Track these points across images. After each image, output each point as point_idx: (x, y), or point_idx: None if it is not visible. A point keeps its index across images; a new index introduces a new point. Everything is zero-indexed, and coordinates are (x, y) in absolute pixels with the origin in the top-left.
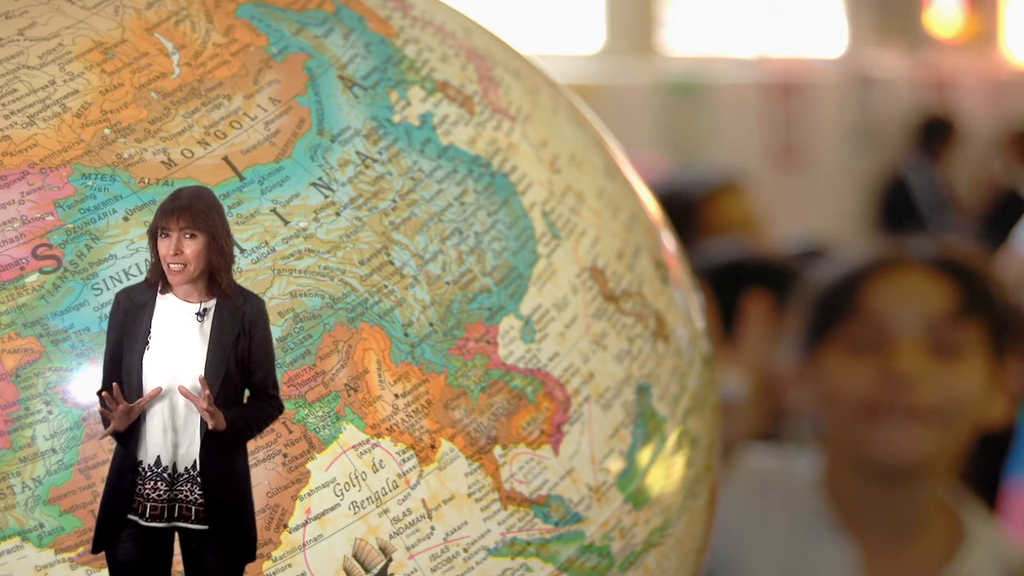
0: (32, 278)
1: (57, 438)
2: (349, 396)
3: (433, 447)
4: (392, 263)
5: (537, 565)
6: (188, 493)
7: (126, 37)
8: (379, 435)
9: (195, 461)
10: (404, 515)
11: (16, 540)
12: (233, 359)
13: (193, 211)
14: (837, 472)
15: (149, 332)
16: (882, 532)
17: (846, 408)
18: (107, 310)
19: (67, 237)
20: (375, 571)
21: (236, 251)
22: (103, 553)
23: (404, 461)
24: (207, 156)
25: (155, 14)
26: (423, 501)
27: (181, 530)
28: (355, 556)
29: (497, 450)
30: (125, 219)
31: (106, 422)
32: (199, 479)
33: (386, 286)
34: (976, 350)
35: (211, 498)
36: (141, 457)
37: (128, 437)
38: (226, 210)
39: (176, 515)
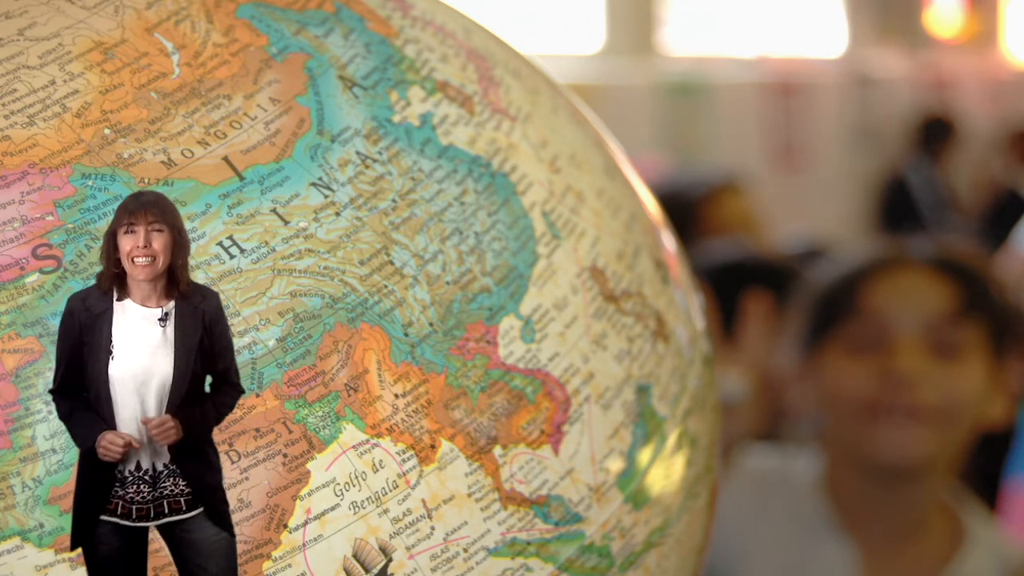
0: (32, 278)
1: (57, 438)
2: (349, 396)
3: (433, 447)
4: (392, 263)
5: (537, 565)
6: (172, 488)
7: (126, 37)
8: (379, 435)
9: (171, 457)
10: (404, 515)
11: (16, 540)
12: (198, 358)
13: (160, 206)
14: (837, 472)
15: (111, 341)
16: (882, 532)
17: (846, 408)
18: None
19: (67, 237)
20: (375, 571)
21: (236, 251)
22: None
23: (404, 461)
24: (207, 156)
25: (155, 14)
26: (423, 501)
27: (174, 522)
28: (355, 556)
29: (497, 450)
30: None
31: (89, 447)
32: (179, 471)
33: (386, 286)
34: (976, 350)
35: (196, 485)
36: (123, 464)
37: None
38: (226, 210)
39: (167, 511)
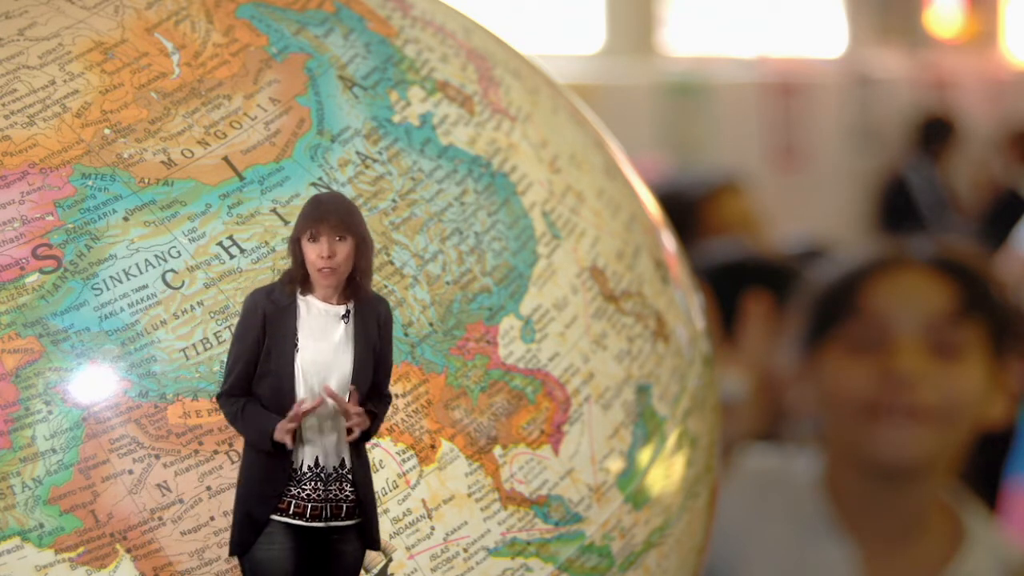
0: (32, 278)
1: (57, 438)
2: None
3: (433, 447)
4: (392, 263)
5: (537, 565)
6: (338, 492)
7: (126, 37)
8: (379, 435)
9: (342, 459)
10: (404, 515)
11: (16, 540)
12: (373, 360)
13: (341, 213)
14: (837, 472)
15: (296, 334)
16: (882, 532)
17: (846, 408)
18: (107, 310)
19: (67, 237)
20: (375, 571)
21: (236, 251)
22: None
23: (404, 461)
24: (207, 156)
25: (155, 14)
26: (423, 501)
27: (331, 527)
28: None
29: (497, 450)
30: (125, 219)
31: (267, 437)
32: (350, 476)
33: (386, 286)
34: (976, 350)
35: (361, 494)
36: (300, 459)
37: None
38: (226, 210)
39: (329, 514)
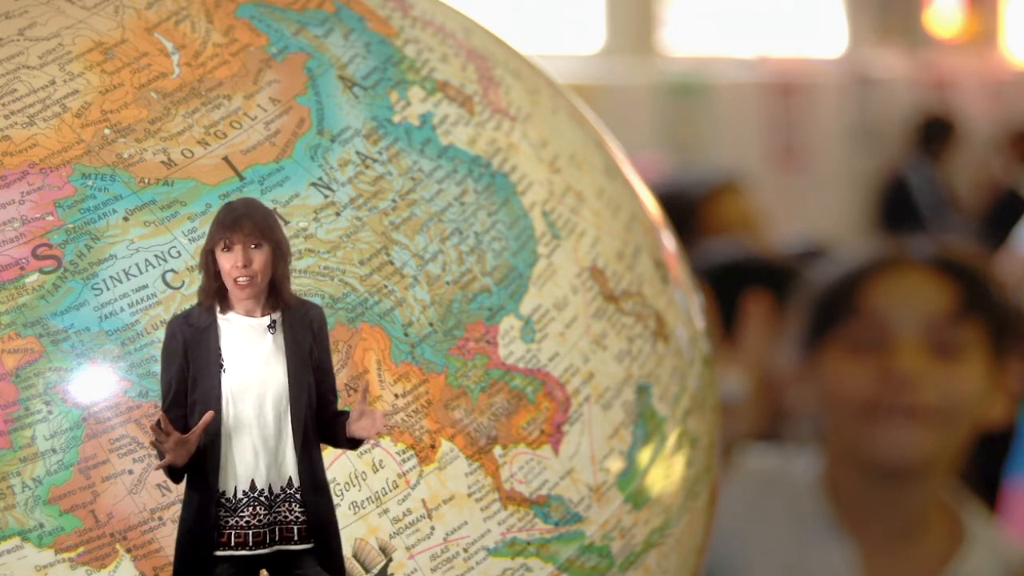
0: (32, 278)
1: (57, 438)
2: (349, 396)
3: (433, 447)
4: (392, 263)
5: (537, 565)
6: (287, 513)
7: (126, 37)
8: (379, 435)
9: (289, 479)
10: (404, 515)
11: (16, 540)
12: (310, 368)
13: (255, 219)
14: (837, 472)
15: (220, 354)
16: (882, 532)
17: (846, 408)
18: (107, 310)
19: (67, 237)
20: (375, 571)
21: None
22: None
23: (404, 461)
24: (207, 156)
25: (155, 14)
26: (423, 501)
27: (283, 553)
28: (355, 556)
29: (497, 450)
30: (125, 219)
31: (161, 455)
32: (298, 496)
33: (386, 286)
34: (976, 350)
35: (313, 514)
36: (232, 485)
37: (195, 469)
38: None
39: (278, 538)
